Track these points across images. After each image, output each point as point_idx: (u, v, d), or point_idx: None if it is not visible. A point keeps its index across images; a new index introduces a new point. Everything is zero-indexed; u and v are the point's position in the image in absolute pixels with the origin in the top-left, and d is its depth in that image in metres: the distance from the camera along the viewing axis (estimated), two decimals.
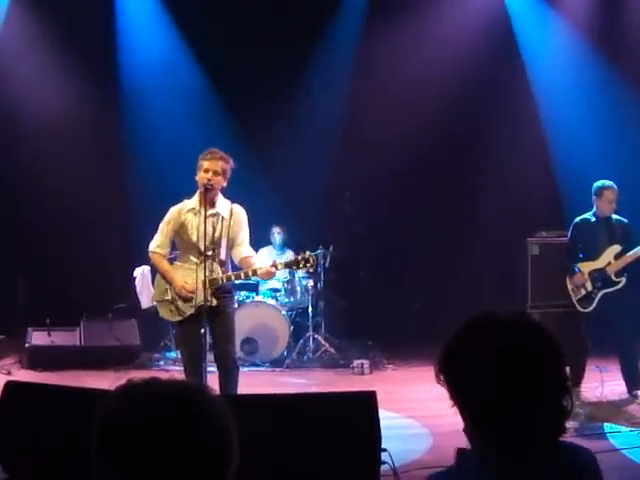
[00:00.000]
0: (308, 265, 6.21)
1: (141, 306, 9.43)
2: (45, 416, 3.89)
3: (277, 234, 10.60)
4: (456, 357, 1.75)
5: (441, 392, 1.79)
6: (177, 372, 7.46)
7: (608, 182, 7.72)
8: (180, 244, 6.35)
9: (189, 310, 6.15)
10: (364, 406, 4.00)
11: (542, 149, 10.98)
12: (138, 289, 9.51)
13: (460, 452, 1.77)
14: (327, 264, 10.17)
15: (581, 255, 7.80)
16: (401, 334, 10.60)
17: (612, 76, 10.61)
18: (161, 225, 6.35)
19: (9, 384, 4.13)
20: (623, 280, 7.66)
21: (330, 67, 11.31)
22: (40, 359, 9.15)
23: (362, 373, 9.26)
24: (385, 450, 4.22)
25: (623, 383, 7.68)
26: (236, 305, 8.11)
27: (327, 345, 10.00)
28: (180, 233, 6.26)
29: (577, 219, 7.88)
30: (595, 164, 9.48)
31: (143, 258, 7.54)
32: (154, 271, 6.81)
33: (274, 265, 6.20)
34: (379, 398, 4.00)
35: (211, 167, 6.09)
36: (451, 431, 1.83)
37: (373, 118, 11.11)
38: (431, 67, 10.98)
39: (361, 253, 11.00)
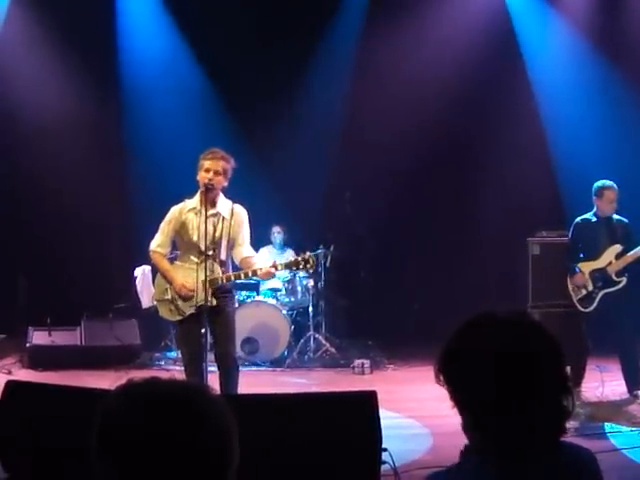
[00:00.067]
0: (308, 266, 6.22)
1: (142, 306, 9.43)
2: (46, 416, 3.89)
3: (277, 234, 10.60)
4: (456, 357, 1.75)
5: (441, 392, 1.79)
6: (177, 372, 7.46)
7: (608, 182, 7.72)
8: (180, 244, 6.35)
9: (189, 310, 6.15)
10: (365, 406, 4.00)
11: (542, 149, 10.98)
12: (139, 289, 9.52)
13: (464, 452, 1.77)
14: (328, 264, 10.17)
15: (582, 255, 7.80)
16: (402, 334, 10.60)
17: (613, 76, 10.61)
18: (162, 224, 6.35)
19: (10, 384, 4.13)
20: (624, 280, 7.66)
21: (330, 67, 11.31)
22: (41, 359, 9.15)
23: (363, 373, 9.26)
24: (385, 450, 4.22)
25: (624, 383, 7.68)
26: (237, 305, 8.12)
27: (328, 345, 10.00)
28: (181, 233, 6.26)
29: (578, 219, 7.88)
30: (595, 164, 9.48)
31: (144, 258, 7.55)
32: (154, 271, 6.81)
33: (274, 266, 6.21)
34: (379, 398, 4.00)
35: (212, 167, 6.09)
36: (451, 431, 1.83)
37: (373, 118, 11.11)
38: (431, 67, 10.98)
39: (361, 253, 11.00)
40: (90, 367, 8.90)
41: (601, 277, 7.67)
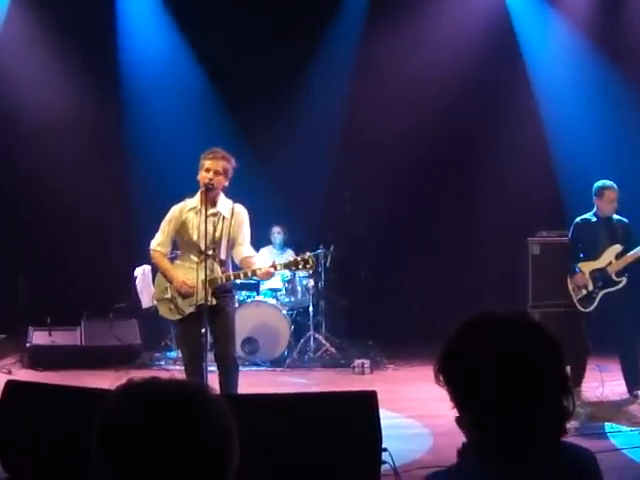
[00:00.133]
0: (307, 266, 6.22)
1: (142, 306, 9.43)
2: (46, 416, 3.89)
3: (277, 234, 10.61)
4: (456, 357, 1.75)
5: (442, 392, 1.79)
6: (177, 372, 7.46)
7: (609, 182, 7.72)
8: (181, 243, 6.36)
9: (188, 309, 6.16)
10: (365, 406, 4.00)
11: (543, 149, 10.98)
12: (139, 289, 9.52)
13: (462, 451, 1.77)
14: (328, 264, 10.17)
15: (582, 255, 7.80)
16: (402, 334, 10.60)
17: (613, 75, 10.61)
18: (162, 224, 6.36)
19: (10, 384, 4.13)
20: (624, 280, 7.66)
21: (330, 67, 11.31)
22: (41, 359, 9.16)
23: (363, 373, 9.26)
24: (386, 450, 4.22)
25: (624, 383, 7.68)
26: (237, 305, 8.12)
27: (328, 345, 10.00)
28: (181, 232, 6.27)
29: (578, 219, 7.88)
30: (595, 164, 9.48)
31: (144, 258, 7.55)
32: (155, 271, 6.82)
33: (273, 266, 6.21)
34: (380, 398, 4.00)
35: (212, 167, 6.09)
36: (452, 431, 1.82)
37: (373, 118, 11.11)
38: (431, 67, 10.98)
39: (361, 253, 11.00)
40: (90, 367, 8.90)
41: (601, 277, 7.67)
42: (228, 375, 6.12)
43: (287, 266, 6.36)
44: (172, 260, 6.53)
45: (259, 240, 8.55)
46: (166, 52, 11.41)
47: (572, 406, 1.74)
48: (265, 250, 10.25)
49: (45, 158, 10.93)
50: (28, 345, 9.35)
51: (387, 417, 5.37)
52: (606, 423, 6.68)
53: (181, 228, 6.26)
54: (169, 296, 6.25)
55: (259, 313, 9.74)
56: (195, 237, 6.17)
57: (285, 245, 10.62)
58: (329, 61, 11.31)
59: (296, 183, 10.74)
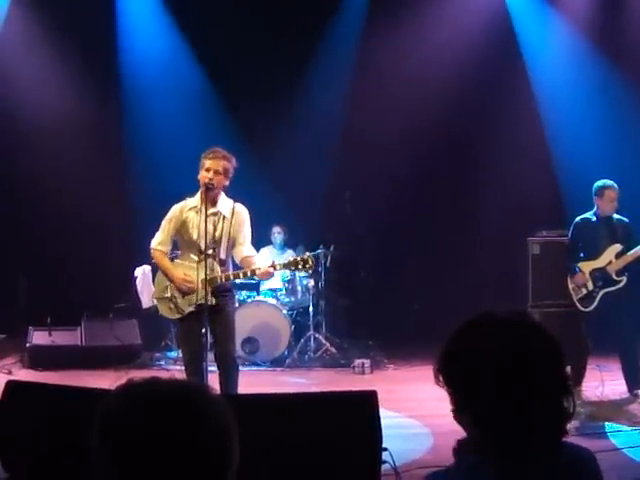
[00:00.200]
0: (307, 266, 6.22)
1: (142, 306, 9.44)
2: (46, 416, 3.89)
3: (278, 234, 10.61)
4: (456, 357, 1.75)
5: (442, 392, 1.79)
6: (178, 372, 7.46)
7: (609, 181, 7.72)
8: (181, 242, 6.37)
9: (188, 308, 6.16)
10: (365, 406, 4.00)
11: (543, 149, 10.98)
12: (139, 289, 9.52)
13: (458, 448, 1.77)
14: (328, 264, 10.18)
15: (582, 254, 7.80)
16: (402, 334, 10.60)
17: (613, 75, 10.61)
18: (163, 223, 6.37)
19: (10, 384, 4.13)
20: (624, 279, 7.66)
21: (330, 67, 11.31)
22: (41, 359, 9.16)
23: (363, 372, 9.26)
24: (386, 449, 4.22)
25: (624, 382, 7.68)
26: (237, 304, 8.12)
27: (328, 345, 10.00)
28: (181, 231, 6.28)
29: (578, 218, 7.88)
30: (596, 163, 9.48)
31: (144, 258, 7.55)
32: (155, 270, 6.82)
33: (273, 266, 6.21)
34: (380, 397, 4.00)
35: (213, 166, 6.10)
36: (452, 430, 1.82)
37: (373, 118, 11.11)
38: (431, 67, 10.98)
39: (361, 253, 11.00)
40: (90, 367, 8.90)
41: (601, 276, 7.67)
42: (228, 375, 6.12)
43: (286, 266, 6.37)
44: (172, 260, 6.53)
45: (259, 240, 8.54)
46: (166, 52, 11.41)
47: (572, 407, 1.73)
48: (265, 250, 10.25)
49: (45, 158, 10.94)
50: (28, 345, 9.35)
51: (387, 417, 5.37)
52: (606, 422, 6.68)
53: (181, 227, 6.27)
54: (169, 295, 6.26)
55: (259, 313, 9.74)
56: (195, 236, 6.17)
57: (285, 245, 10.62)
58: (329, 61, 11.31)
59: (296, 183, 10.74)
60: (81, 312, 9.80)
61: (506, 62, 11.05)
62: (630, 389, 7.63)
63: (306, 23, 11.01)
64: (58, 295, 10.61)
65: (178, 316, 6.27)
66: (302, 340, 10.03)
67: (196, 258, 6.14)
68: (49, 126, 10.94)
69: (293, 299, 10.27)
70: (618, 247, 7.68)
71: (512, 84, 11.04)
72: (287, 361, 9.74)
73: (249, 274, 6.27)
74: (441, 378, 1.76)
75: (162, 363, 9.70)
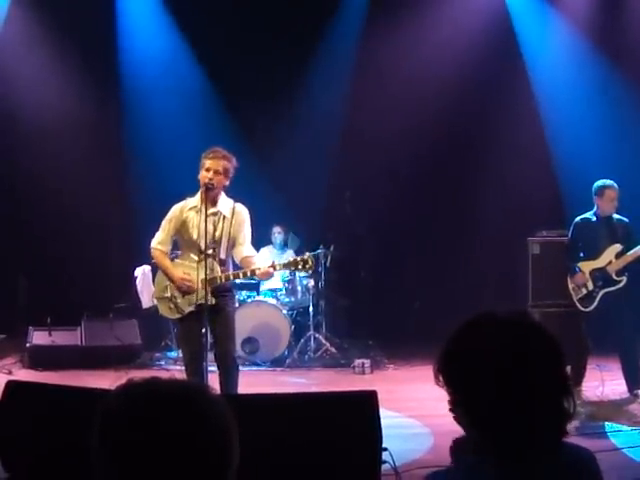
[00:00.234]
0: (307, 267, 6.22)
1: (142, 306, 9.44)
2: (46, 416, 3.89)
3: (278, 234, 10.61)
4: (456, 357, 1.75)
5: (442, 392, 1.79)
6: (178, 372, 7.46)
7: (609, 181, 7.72)
8: (181, 242, 6.37)
9: (187, 308, 6.17)
10: (365, 405, 4.00)
11: (543, 148, 10.98)
12: (139, 289, 9.52)
13: (455, 447, 1.77)
14: (328, 264, 10.18)
15: (582, 254, 7.80)
16: (402, 333, 10.60)
17: (613, 75, 10.61)
18: (163, 222, 6.37)
19: (10, 384, 4.13)
20: (624, 279, 7.66)
21: (330, 67, 11.31)
22: (41, 359, 9.16)
23: (363, 372, 9.26)
24: (386, 449, 4.22)
25: (624, 382, 7.68)
26: (237, 304, 8.12)
27: (328, 344, 10.00)
28: (181, 231, 6.28)
29: (577, 218, 7.88)
30: (596, 163, 9.49)
31: (144, 258, 7.55)
32: (155, 271, 6.82)
33: (272, 266, 6.22)
34: (380, 397, 4.01)
35: (213, 166, 6.10)
36: (452, 430, 1.82)
37: (373, 118, 11.11)
38: (431, 67, 10.98)
39: (361, 253, 11.00)
40: (90, 367, 8.90)
41: (601, 276, 7.67)
42: (228, 375, 6.12)
43: (286, 266, 6.38)
44: (173, 260, 6.53)
45: (259, 240, 8.55)
46: (166, 52, 11.41)
47: (573, 407, 1.73)
48: (265, 250, 10.25)
49: (45, 158, 10.94)
50: (28, 345, 9.35)
51: (387, 417, 5.37)
52: (606, 422, 6.68)
53: (181, 227, 6.27)
54: (169, 295, 6.26)
55: (259, 313, 9.74)
56: (195, 236, 6.17)
57: (285, 245, 10.62)
58: (329, 61, 11.31)
59: (296, 183, 10.74)
60: (81, 312, 9.80)
61: (506, 62, 11.05)
62: (630, 389, 7.63)
63: (306, 23, 11.01)
64: (58, 295, 10.61)
65: (178, 316, 6.27)
66: (302, 340, 10.03)
67: (196, 258, 6.14)
68: (49, 126, 10.94)
69: (293, 299, 10.27)
70: (618, 247, 7.68)
71: (512, 84, 11.04)
72: (287, 361, 9.73)
73: (249, 274, 6.27)
74: (441, 378, 1.76)
75: (162, 363, 9.70)
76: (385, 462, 4.37)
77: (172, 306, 6.26)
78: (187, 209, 6.27)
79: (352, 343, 10.28)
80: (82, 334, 9.62)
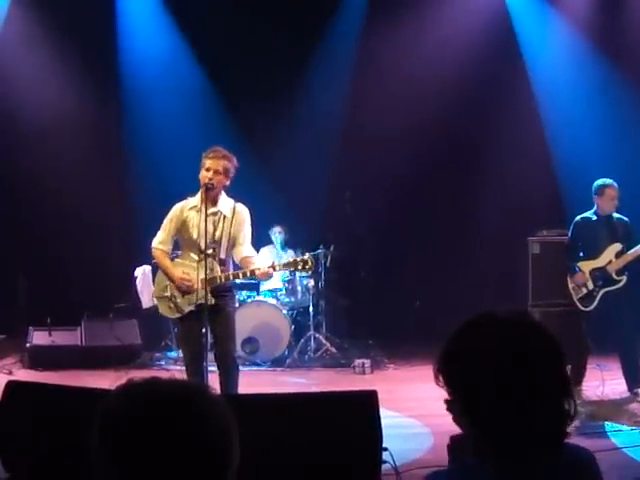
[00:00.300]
0: (307, 267, 6.21)
1: (142, 306, 9.44)
2: (46, 416, 3.90)
3: (278, 234, 10.61)
4: (456, 357, 1.75)
5: (442, 392, 1.78)
6: (178, 372, 7.46)
7: (609, 180, 7.72)
8: (182, 241, 6.37)
9: (187, 307, 6.17)
10: (365, 405, 4.00)
11: (543, 148, 10.98)
12: (139, 289, 9.53)
13: (453, 445, 1.77)
14: (328, 264, 10.18)
15: (582, 254, 7.80)
16: (402, 333, 10.61)
17: (613, 75, 10.61)
18: (164, 222, 6.37)
19: (10, 384, 4.13)
20: (624, 279, 7.66)
21: (330, 67, 11.31)
22: (41, 359, 9.16)
23: (363, 372, 9.26)
24: (386, 449, 4.22)
25: (624, 381, 7.68)
26: (237, 304, 8.12)
27: (328, 344, 10.00)
28: (182, 231, 6.28)
29: (578, 218, 7.88)
30: (596, 163, 9.49)
31: (144, 258, 7.56)
32: (155, 270, 6.82)
33: (272, 266, 6.22)
34: (380, 397, 4.01)
35: (213, 166, 6.10)
36: (452, 430, 1.82)
37: (373, 118, 11.12)
38: (431, 66, 10.98)
39: (361, 253, 11.00)
40: (90, 367, 8.90)
41: (601, 276, 7.66)
42: (228, 375, 6.12)
43: (286, 267, 6.38)
44: (173, 260, 6.53)
45: (260, 240, 8.55)
46: (166, 52, 11.41)
47: (573, 408, 1.73)
48: (266, 250, 10.25)
49: (45, 158, 10.94)
50: (28, 345, 9.35)
51: (387, 416, 5.37)
52: (606, 422, 6.68)
53: (182, 226, 6.27)
54: (169, 294, 6.26)
55: (260, 313, 9.74)
56: (195, 235, 6.17)
57: (286, 245, 10.62)
58: (329, 60, 11.31)
59: (296, 183, 10.74)
60: (81, 312, 9.80)
61: (506, 62, 11.05)
62: (630, 388, 7.63)
63: (306, 23, 11.01)
64: (58, 295, 10.61)
65: (178, 315, 6.27)
66: (302, 340, 10.03)
67: (196, 257, 6.14)
68: (49, 126, 10.94)
69: (293, 299, 10.27)
70: (618, 246, 7.68)
71: (512, 84, 11.04)
72: (287, 361, 9.73)
73: (249, 274, 6.27)
74: (441, 378, 1.76)
75: (162, 363, 9.70)
76: (385, 462, 4.38)
77: (172, 305, 6.26)
78: (188, 208, 6.27)
79: (352, 343, 10.28)
80: (82, 334, 9.63)
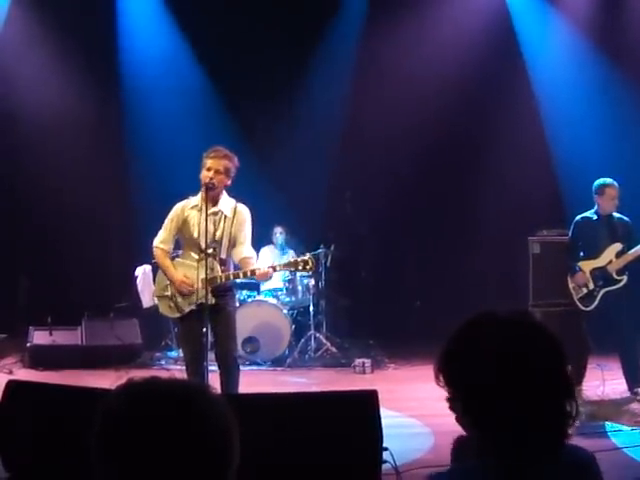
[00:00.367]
0: (307, 267, 6.21)
1: (142, 305, 9.44)
2: (46, 415, 3.90)
3: (279, 234, 10.61)
4: (456, 357, 1.75)
5: (442, 391, 1.78)
6: (178, 371, 7.45)
7: (609, 180, 7.72)
8: (182, 241, 6.37)
9: (187, 307, 6.17)
10: (365, 405, 4.00)
11: (543, 148, 10.98)
12: (139, 288, 9.53)
13: (457, 447, 1.77)
14: (328, 263, 10.18)
15: (582, 253, 7.79)
16: (402, 333, 10.60)
17: (613, 75, 10.61)
18: (166, 221, 6.37)
19: (11, 383, 4.14)
20: (624, 278, 7.66)
21: (330, 67, 11.31)
22: (41, 358, 9.16)
23: (364, 372, 9.26)
24: (386, 449, 4.23)
25: (624, 381, 7.68)
26: (238, 304, 8.12)
27: (328, 344, 10.00)
28: (183, 230, 6.28)
29: (578, 217, 7.87)
30: (596, 162, 9.49)
31: (144, 257, 7.56)
32: (155, 270, 6.82)
33: (273, 267, 6.22)
34: (380, 397, 4.01)
35: (213, 166, 6.10)
36: (453, 430, 1.82)
37: (374, 118, 11.12)
38: (432, 66, 10.98)
39: (362, 252, 11.00)
40: (91, 367, 8.90)
41: (602, 276, 7.66)
42: (229, 374, 6.12)
43: (287, 267, 6.38)
44: (173, 259, 6.53)
45: (260, 240, 8.55)
46: (166, 52, 11.41)
47: (575, 408, 1.73)
48: (266, 250, 10.26)
49: (46, 158, 10.94)
50: (29, 345, 9.35)
51: (388, 416, 5.36)
52: (607, 422, 6.68)
53: (183, 226, 6.27)
54: (169, 294, 6.26)
55: (260, 313, 9.74)
56: (196, 235, 6.17)
57: (287, 245, 10.62)
58: (329, 61, 11.30)
59: (297, 183, 10.74)
60: (81, 312, 9.80)
61: (506, 61, 11.05)
62: (630, 388, 7.63)
63: (306, 23, 11.01)
64: (58, 295, 10.61)
65: (178, 315, 6.27)
66: (303, 340, 10.03)
67: (196, 257, 6.15)
68: (50, 126, 10.94)
69: (294, 299, 10.27)
70: (618, 246, 7.68)
71: (512, 83, 11.04)
72: (288, 361, 9.73)
73: (249, 274, 6.27)
74: (441, 378, 1.76)
75: (162, 363, 9.70)
76: (386, 462, 4.38)
77: (172, 305, 6.26)
78: (189, 208, 6.27)
79: (353, 343, 10.28)
80: (83, 334, 9.63)
